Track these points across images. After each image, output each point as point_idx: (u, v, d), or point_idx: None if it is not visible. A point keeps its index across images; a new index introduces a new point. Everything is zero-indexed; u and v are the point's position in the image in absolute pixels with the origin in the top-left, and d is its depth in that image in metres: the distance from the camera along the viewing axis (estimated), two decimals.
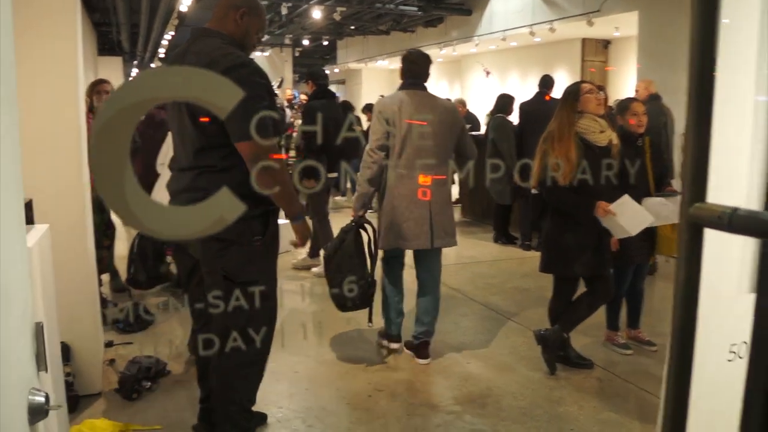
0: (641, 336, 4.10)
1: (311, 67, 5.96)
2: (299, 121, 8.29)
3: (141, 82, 0.72)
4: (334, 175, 5.84)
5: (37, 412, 1.08)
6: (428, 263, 3.83)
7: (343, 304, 3.59)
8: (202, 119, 2.33)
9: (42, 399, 1.09)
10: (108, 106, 0.69)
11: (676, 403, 0.72)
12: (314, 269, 5.81)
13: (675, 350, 0.72)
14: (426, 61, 3.80)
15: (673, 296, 0.73)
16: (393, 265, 3.87)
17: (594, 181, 3.40)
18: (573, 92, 3.52)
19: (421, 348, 3.81)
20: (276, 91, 4.51)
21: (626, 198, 3.43)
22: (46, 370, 1.19)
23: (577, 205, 3.46)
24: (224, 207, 0.74)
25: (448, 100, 5.91)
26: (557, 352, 3.69)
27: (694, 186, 0.69)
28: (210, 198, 0.80)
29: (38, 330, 1.17)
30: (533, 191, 3.97)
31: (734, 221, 0.61)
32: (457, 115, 3.84)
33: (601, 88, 5.94)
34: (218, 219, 0.74)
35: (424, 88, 3.76)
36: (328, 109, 5.43)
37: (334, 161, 5.35)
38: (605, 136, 3.45)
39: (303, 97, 9.08)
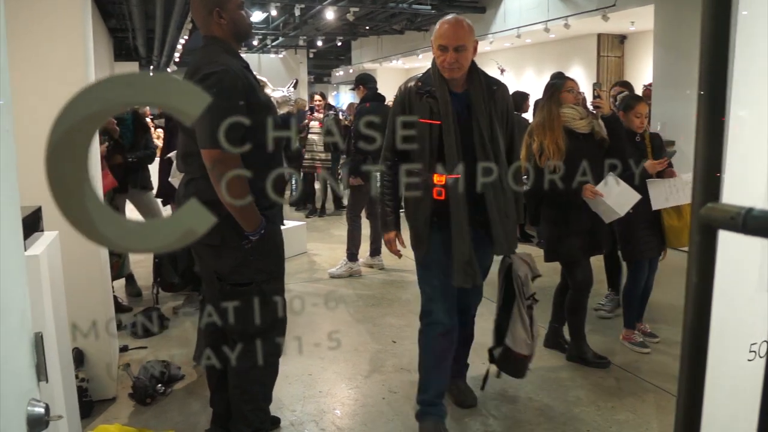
0: (644, 328, 4.13)
1: (360, 74, 6.21)
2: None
3: (102, 89, 0.68)
4: None
5: (36, 424, 1.07)
6: None
7: None
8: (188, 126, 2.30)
9: (41, 410, 1.08)
10: (67, 115, 0.65)
11: (689, 410, 0.70)
12: (331, 270, 5.80)
13: (688, 353, 0.69)
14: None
15: (684, 300, 0.70)
16: None
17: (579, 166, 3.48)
18: (557, 86, 3.67)
19: None
20: (290, 93, 4.48)
21: (610, 177, 3.47)
22: (47, 381, 1.17)
23: (566, 190, 3.53)
24: (193, 218, 0.71)
25: None
26: (573, 352, 3.77)
27: (706, 185, 0.65)
28: (178, 210, 0.77)
29: (38, 340, 1.15)
30: (525, 187, 4.05)
31: (749, 222, 0.57)
32: None
33: (626, 84, 5.93)
34: (187, 231, 0.71)
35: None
36: (377, 111, 5.54)
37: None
38: (586, 122, 3.58)
39: (318, 98, 9.05)
